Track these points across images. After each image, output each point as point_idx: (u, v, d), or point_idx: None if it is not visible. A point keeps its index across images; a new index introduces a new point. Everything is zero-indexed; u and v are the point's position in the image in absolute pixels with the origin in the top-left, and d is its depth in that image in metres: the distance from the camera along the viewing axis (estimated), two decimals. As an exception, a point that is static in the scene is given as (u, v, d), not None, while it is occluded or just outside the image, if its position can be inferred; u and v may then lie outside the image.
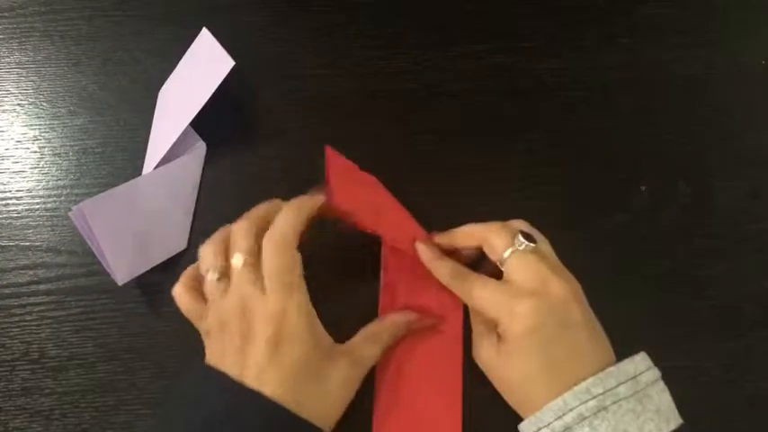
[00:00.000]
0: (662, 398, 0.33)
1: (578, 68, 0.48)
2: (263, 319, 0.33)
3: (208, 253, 0.36)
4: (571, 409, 0.32)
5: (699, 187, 0.45)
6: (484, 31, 0.48)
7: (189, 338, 0.41)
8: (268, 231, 0.35)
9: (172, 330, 0.41)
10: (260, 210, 0.37)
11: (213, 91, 0.41)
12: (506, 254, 0.36)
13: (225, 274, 0.35)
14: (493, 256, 0.38)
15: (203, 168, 0.45)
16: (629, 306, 0.41)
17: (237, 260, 0.34)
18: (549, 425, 0.33)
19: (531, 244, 0.36)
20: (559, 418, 0.32)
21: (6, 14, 0.49)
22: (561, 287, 0.35)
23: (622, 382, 0.33)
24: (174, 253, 0.43)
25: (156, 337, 0.41)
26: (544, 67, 0.47)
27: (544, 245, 0.38)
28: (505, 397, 0.37)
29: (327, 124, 0.46)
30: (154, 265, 0.42)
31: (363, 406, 0.38)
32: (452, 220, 0.43)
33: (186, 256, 0.43)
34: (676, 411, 0.33)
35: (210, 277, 0.35)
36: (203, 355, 0.36)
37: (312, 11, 0.49)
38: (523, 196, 0.44)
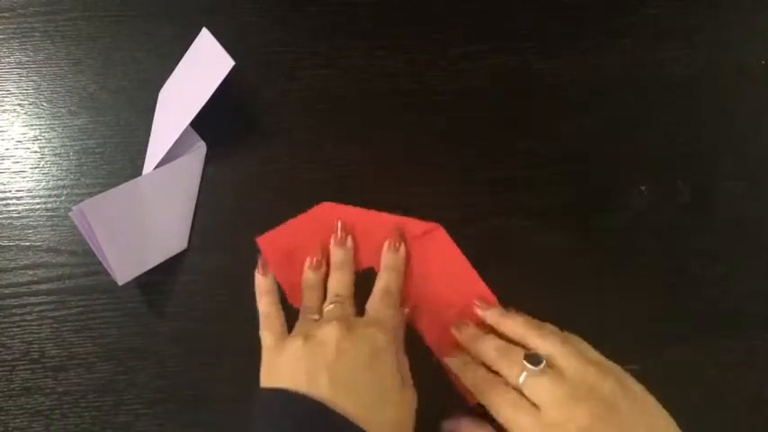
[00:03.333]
0: None
1: (578, 68, 0.48)
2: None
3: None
4: None
5: (699, 187, 0.45)
6: (484, 31, 0.48)
7: (189, 338, 0.41)
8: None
9: (172, 330, 0.41)
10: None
11: (213, 91, 0.41)
12: (521, 380, 0.34)
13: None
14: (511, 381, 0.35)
15: (203, 168, 0.45)
16: (629, 306, 0.41)
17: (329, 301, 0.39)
18: None
19: (536, 368, 0.34)
20: None
21: (6, 14, 0.49)
22: (587, 411, 0.32)
23: None
24: (174, 253, 0.43)
25: (156, 337, 0.41)
26: (544, 67, 0.47)
27: (562, 359, 0.34)
28: None
29: (327, 124, 0.46)
30: (154, 265, 0.42)
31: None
32: (453, 219, 0.43)
33: (186, 256, 0.43)
34: None
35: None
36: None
37: (312, 11, 0.49)
38: (523, 196, 0.44)
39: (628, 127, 0.46)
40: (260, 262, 0.41)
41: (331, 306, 0.39)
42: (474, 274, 0.41)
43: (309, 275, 0.41)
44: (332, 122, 0.46)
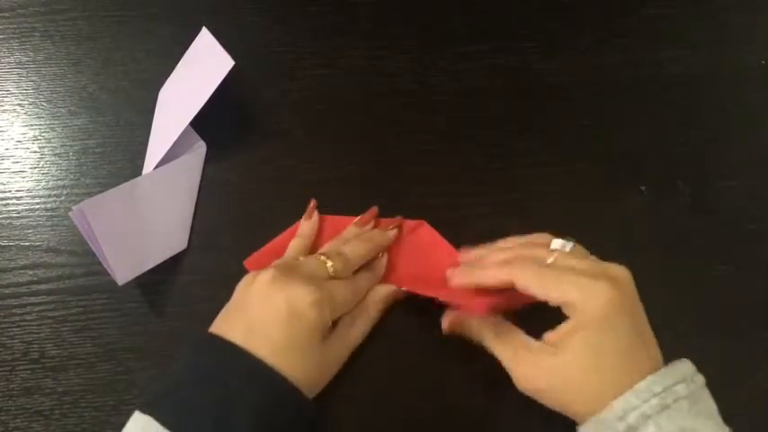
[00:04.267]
0: (711, 403, 0.33)
1: (578, 68, 0.48)
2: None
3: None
4: (634, 408, 0.31)
5: (699, 187, 0.45)
6: (484, 31, 0.48)
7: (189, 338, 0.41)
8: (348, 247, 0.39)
9: (172, 330, 0.41)
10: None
11: (213, 91, 0.41)
12: (558, 253, 0.35)
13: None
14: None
15: (203, 168, 0.45)
16: (629, 306, 0.41)
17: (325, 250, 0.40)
18: (611, 426, 0.31)
19: (570, 243, 0.35)
20: (621, 419, 0.31)
21: (6, 14, 0.49)
22: (621, 270, 0.34)
23: (679, 382, 0.32)
24: (174, 253, 0.43)
25: (156, 337, 0.41)
26: (544, 67, 0.47)
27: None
28: (556, 401, 0.34)
29: (327, 124, 0.46)
30: (154, 265, 0.41)
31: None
32: (453, 219, 0.43)
33: (186, 256, 0.43)
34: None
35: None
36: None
37: (312, 11, 0.49)
38: (523, 196, 0.44)
39: (628, 127, 0.46)
40: (310, 207, 0.42)
41: (322, 257, 0.38)
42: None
43: (303, 225, 0.42)
44: (332, 122, 0.46)
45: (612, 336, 0.33)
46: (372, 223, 0.42)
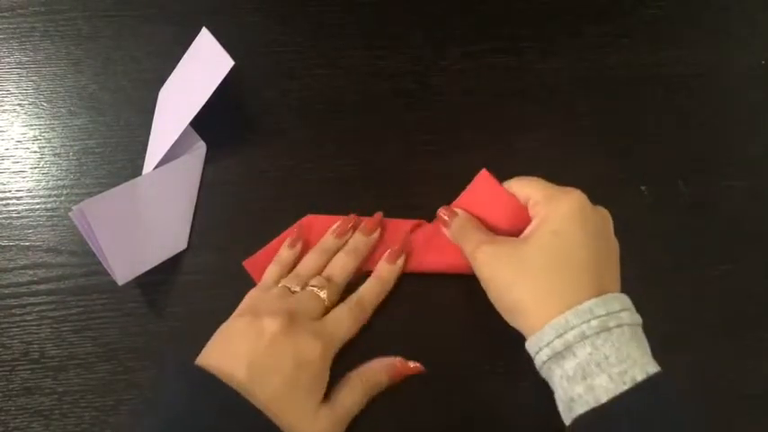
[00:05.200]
0: (646, 342, 0.33)
1: (578, 68, 0.48)
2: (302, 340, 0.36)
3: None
4: (573, 328, 0.32)
5: (699, 187, 0.45)
6: (484, 31, 0.48)
7: (189, 338, 0.41)
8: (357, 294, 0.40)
9: (172, 330, 0.41)
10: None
11: (213, 91, 0.41)
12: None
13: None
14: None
15: (203, 168, 0.45)
16: (629, 306, 0.41)
17: (316, 282, 0.39)
18: (549, 344, 0.32)
19: None
20: (560, 336, 0.32)
21: (6, 14, 0.49)
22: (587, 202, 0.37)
23: (626, 309, 0.33)
24: (174, 253, 0.43)
25: (156, 337, 0.41)
26: (544, 67, 0.47)
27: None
28: (506, 309, 0.36)
29: (327, 124, 0.46)
30: (154, 265, 0.41)
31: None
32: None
33: (186, 256, 0.43)
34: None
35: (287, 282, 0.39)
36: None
37: (312, 11, 0.49)
38: (523, 196, 0.44)
39: (628, 127, 0.46)
40: (292, 237, 0.42)
41: (314, 289, 0.38)
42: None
43: (285, 252, 0.41)
44: (332, 122, 0.46)
45: (574, 240, 0.35)
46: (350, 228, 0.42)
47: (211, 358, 0.35)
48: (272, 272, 0.41)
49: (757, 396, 0.40)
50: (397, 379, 0.38)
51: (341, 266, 0.40)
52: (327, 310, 0.38)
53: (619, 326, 0.32)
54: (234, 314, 0.38)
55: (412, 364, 0.39)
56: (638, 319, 0.33)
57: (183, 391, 0.33)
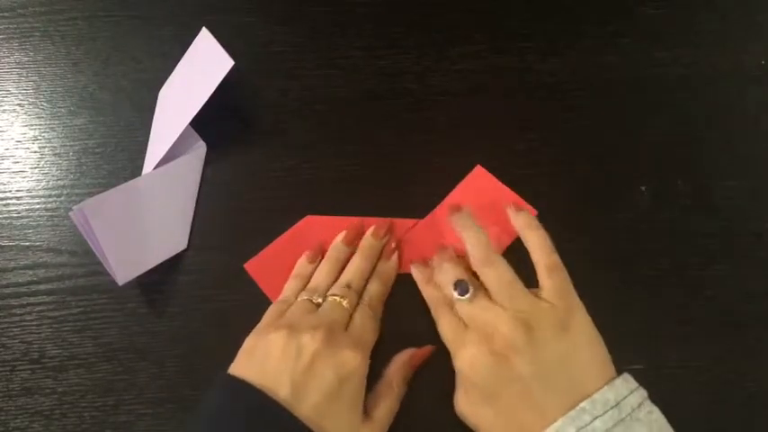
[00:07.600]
0: (651, 419, 0.32)
1: (578, 68, 0.48)
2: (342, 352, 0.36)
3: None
4: None
5: (699, 187, 0.45)
6: (484, 31, 0.48)
7: (189, 338, 0.41)
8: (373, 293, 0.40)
9: (172, 330, 0.41)
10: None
11: (213, 91, 0.41)
12: (455, 298, 0.37)
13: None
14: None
15: (203, 168, 0.45)
16: (629, 306, 0.41)
17: (338, 291, 0.39)
18: None
19: (463, 298, 0.37)
20: None
21: (6, 14, 0.49)
22: (504, 339, 0.34)
23: (599, 416, 0.31)
24: (174, 253, 0.43)
25: (156, 337, 0.41)
26: (544, 67, 0.47)
27: (492, 281, 0.37)
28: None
29: (327, 124, 0.46)
30: (154, 265, 0.41)
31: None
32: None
33: (186, 256, 0.43)
34: (671, 428, 0.32)
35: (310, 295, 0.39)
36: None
37: (312, 11, 0.49)
38: (523, 196, 0.44)
39: (628, 127, 0.46)
40: (311, 251, 0.42)
41: (336, 298, 0.38)
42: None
43: (305, 266, 0.41)
44: (332, 123, 0.46)
45: (497, 384, 0.34)
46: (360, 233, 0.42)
47: (252, 374, 0.35)
48: (292, 286, 0.40)
49: (757, 396, 0.40)
50: (417, 367, 0.39)
51: (359, 273, 0.40)
52: (349, 317, 0.39)
53: None
54: (262, 328, 0.38)
55: (424, 349, 0.40)
56: (624, 410, 0.32)
57: (237, 412, 0.33)
